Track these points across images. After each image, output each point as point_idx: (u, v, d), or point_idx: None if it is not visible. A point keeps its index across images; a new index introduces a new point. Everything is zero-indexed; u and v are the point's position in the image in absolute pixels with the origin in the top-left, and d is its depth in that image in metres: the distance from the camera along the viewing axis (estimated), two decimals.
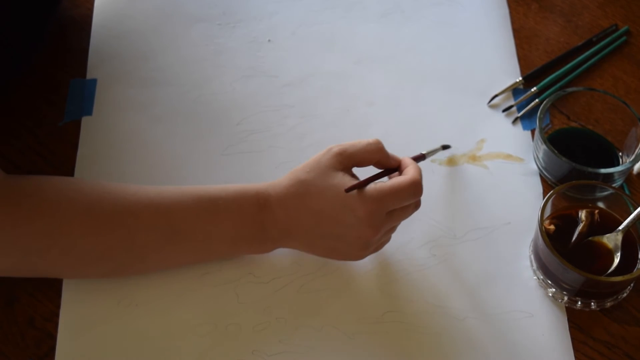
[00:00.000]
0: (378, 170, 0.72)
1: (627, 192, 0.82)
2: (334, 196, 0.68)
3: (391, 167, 0.72)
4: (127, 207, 0.68)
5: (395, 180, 0.69)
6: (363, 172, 0.72)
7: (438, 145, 0.82)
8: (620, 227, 0.73)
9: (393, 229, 0.73)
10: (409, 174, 0.70)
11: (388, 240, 0.74)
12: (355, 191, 0.67)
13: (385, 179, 0.72)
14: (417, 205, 0.72)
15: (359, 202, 0.67)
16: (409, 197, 0.69)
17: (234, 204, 0.69)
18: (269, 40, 0.93)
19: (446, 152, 0.83)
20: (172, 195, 0.69)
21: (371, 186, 0.68)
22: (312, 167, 0.69)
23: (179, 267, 0.73)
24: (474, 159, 0.83)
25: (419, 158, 0.77)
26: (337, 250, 0.71)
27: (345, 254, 0.72)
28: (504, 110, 0.88)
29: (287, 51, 0.92)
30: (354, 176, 0.70)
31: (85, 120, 0.84)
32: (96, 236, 0.67)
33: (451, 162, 0.83)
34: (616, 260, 0.72)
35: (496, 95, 0.88)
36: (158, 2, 0.96)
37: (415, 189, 0.69)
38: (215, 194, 0.70)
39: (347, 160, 0.70)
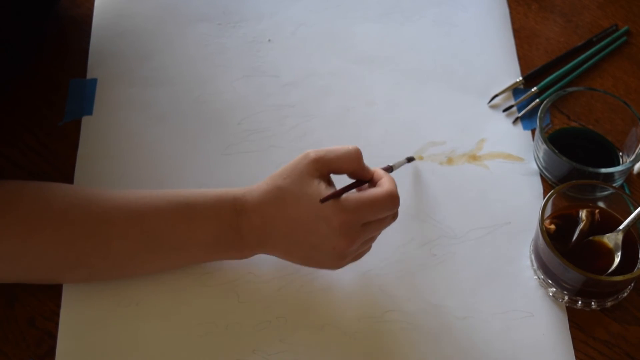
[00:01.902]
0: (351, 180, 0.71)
1: (627, 191, 0.82)
2: (308, 205, 0.67)
3: (364, 178, 0.70)
4: (101, 214, 0.67)
5: (372, 191, 0.68)
6: (338, 180, 0.70)
7: (403, 157, 0.81)
8: (621, 227, 0.73)
9: (373, 239, 0.72)
10: (384, 185, 0.68)
11: (368, 249, 0.73)
12: (330, 201, 0.66)
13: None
14: (394, 216, 0.71)
15: (334, 213, 0.66)
16: (386, 209, 0.68)
17: (211, 210, 0.69)
18: (269, 40, 0.93)
19: (446, 152, 0.83)
20: (148, 201, 0.69)
21: (347, 197, 0.67)
22: (289, 173, 0.68)
23: (158, 273, 0.73)
24: (474, 158, 0.83)
25: (387, 170, 0.75)
26: (313, 259, 0.70)
27: (321, 262, 0.71)
28: (504, 110, 0.88)
29: (287, 51, 0.92)
30: (330, 183, 0.69)
31: (85, 120, 0.84)
32: (69, 244, 0.67)
33: (451, 162, 0.83)
34: (617, 260, 0.72)
35: (496, 95, 0.88)
36: (158, 2, 0.96)
37: (392, 201, 0.68)
38: (193, 198, 0.69)
39: (324, 167, 0.68)
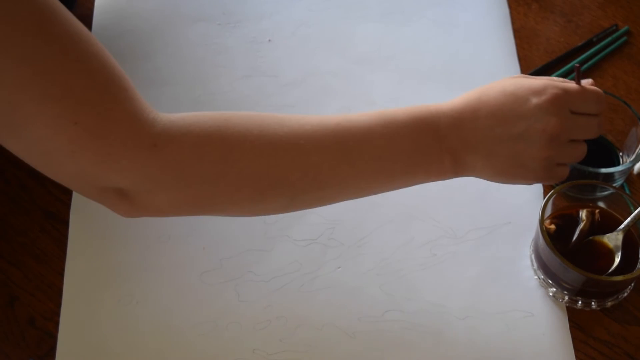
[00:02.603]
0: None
1: (627, 191, 0.82)
2: (517, 83, 0.66)
3: None
4: (296, 129, 0.63)
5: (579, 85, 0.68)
6: None
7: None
8: (621, 227, 0.73)
9: (580, 145, 0.68)
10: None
11: (577, 154, 0.68)
12: (539, 77, 0.66)
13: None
14: (600, 124, 0.68)
15: (545, 86, 0.65)
16: (593, 101, 0.67)
17: (406, 113, 0.65)
18: (269, 40, 0.93)
19: None
20: (340, 115, 0.65)
21: (556, 78, 0.67)
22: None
23: (358, 197, 0.68)
24: None
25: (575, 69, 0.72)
26: (519, 159, 0.65)
27: (526, 163, 0.66)
28: None
29: (287, 51, 0.92)
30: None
31: None
32: (269, 158, 0.62)
33: None
34: (617, 260, 0.72)
35: None
36: (158, 2, 0.96)
37: (599, 96, 0.67)
38: (390, 113, 0.66)
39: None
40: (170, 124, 0.59)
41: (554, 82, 0.66)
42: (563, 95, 0.65)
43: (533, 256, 0.76)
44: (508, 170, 0.66)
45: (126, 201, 0.60)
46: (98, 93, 0.55)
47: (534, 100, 0.64)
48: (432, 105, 0.66)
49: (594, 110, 0.68)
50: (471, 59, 0.92)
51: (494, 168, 0.66)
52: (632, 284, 0.75)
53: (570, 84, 0.67)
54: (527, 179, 0.68)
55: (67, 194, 0.79)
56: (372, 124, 0.64)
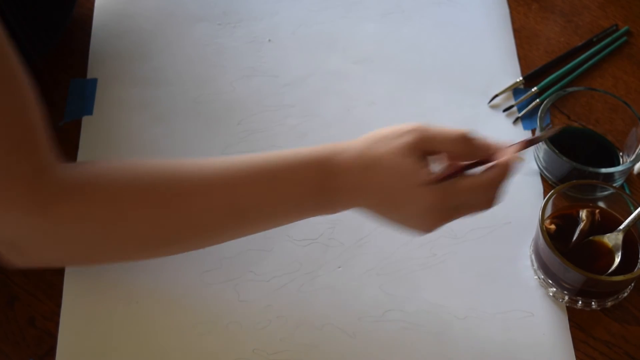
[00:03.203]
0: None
1: (627, 191, 0.82)
2: (401, 181, 0.62)
3: (482, 159, 0.64)
4: (187, 187, 0.64)
5: (474, 178, 0.63)
6: None
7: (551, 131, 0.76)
8: (621, 227, 0.73)
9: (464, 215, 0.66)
10: (489, 173, 0.63)
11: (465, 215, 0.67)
12: (424, 179, 0.62)
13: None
14: (488, 202, 0.66)
15: (427, 192, 0.62)
16: (483, 199, 0.64)
17: (298, 170, 0.65)
18: (269, 40, 0.93)
19: None
20: (230, 169, 0.65)
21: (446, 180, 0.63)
22: (388, 141, 0.63)
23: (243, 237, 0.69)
24: None
25: (529, 142, 0.67)
26: (400, 225, 0.66)
27: (407, 230, 0.66)
28: (504, 110, 0.88)
29: (287, 51, 0.92)
30: (427, 162, 0.64)
31: (85, 120, 0.84)
32: (159, 218, 0.64)
33: None
34: (617, 260, 0.72)
35: (497, 95, 0.88)
36: (158, 2, 0.96)
37: (492, 192, 0.63)
38: (274, 161, 0.65)
39: (427, 146, 0.63)
40: (69, 181, 0.61)
41: (440, 186, 0.62)
42: (442, 202, 0.62)
43: (533, 256, 0.76)
44: (393, 226, 0.66)
45: (16, 252, 0.62)
46: (1, 147, 0.57)
47: (414, 205, 0.63)
48: (328, 161, 0.64)
49: (481, 201, 0.65)
50: (471, 59, 0.92)
51: (379, 219, 0.66)
52: (632, 284, 0.75)
53: (461, 185, 0.63)
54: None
55: None
56: (262, 183, 0.65)
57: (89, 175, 0.64)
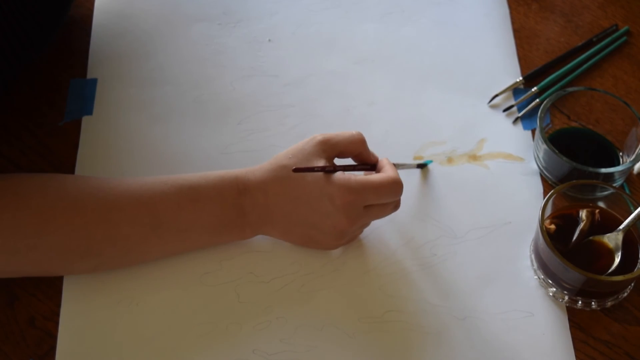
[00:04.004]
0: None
1: (627, 191, 0.82)
2: (313, 183, 0.69)
3: (370, 162, 0.74)
4: (111, 201, 0.68)
5: (377, 176, 0.71)
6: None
7: (409, 159, 0.83)
8: (621, 227, 0.73)
9: (366, 224, 0.75)
10: (388, 172, 0.71)
11: (360, 233, 0.76)
12: (335, 180, 0.69)
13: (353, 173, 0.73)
14: (396, 205, 0.74)
15: (339, 192, 0.68)
16: (389, 195, 0.71)
17: (214, 190, 0.70)
18: (269, 40, 0.93)
19: (447, 152, 0.83)
20: (154, 187, 0.70)
21: (353, 177, 0.69)
22: (295, 153, 0.71)
23: (163, 258, 0.74)
24: (474, 158, 0.83)
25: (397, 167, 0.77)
26: (312, 239, 0.73)
27: (319, 242, 0.73)
28: (504, 110, 0.88)
29: (287, 51, 0.92)
30: (335, 166, 0.71)
31: (85, 120, 0.84)
32: (81, 233, 0.67)
33: (451, 161, 0.83)
34: (617, 260, 0.72)
35: (497, 95, 0.88)
36: (158, 2, 0.96)
37: (396, 187, 0.71)
38: (196, 181, 0.71)
39: (330, 149, 0.71)
40: None
41: (349, 184, 0.69)
42: (355, 200, 0.69)
43: (533, 256, 0.76)
44: (304, 244, 0.74)
45: None
46: None
47: (328, 204, 0.69)
48: (241, 181, 0.71)
49: (391, 200, 0.72)
50: (471, 59, 0.92)
51: (290, 240, 0.74)
52: (632, 284, 0.75)
53: (367, 181, 0.69)
54: (320, 249, 0.75)
55: None
56: (182, 199, 0.70)
57: (17, 185, 0.67)
